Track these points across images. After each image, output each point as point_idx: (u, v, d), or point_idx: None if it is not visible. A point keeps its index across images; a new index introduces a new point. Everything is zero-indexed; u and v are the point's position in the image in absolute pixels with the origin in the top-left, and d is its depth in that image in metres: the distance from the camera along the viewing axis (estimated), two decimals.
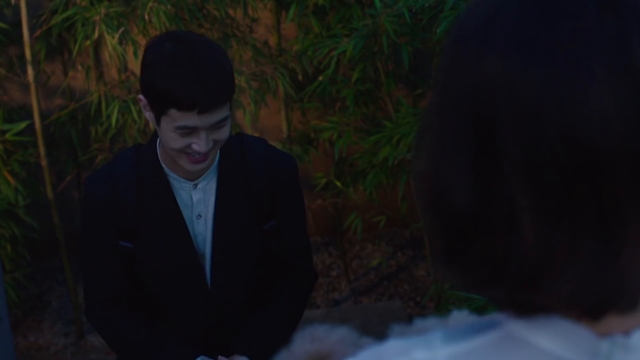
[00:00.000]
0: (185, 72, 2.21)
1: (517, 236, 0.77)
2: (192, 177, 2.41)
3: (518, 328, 0.82)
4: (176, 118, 2.24)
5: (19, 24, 4.33)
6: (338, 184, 4.66)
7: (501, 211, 0.78)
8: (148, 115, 2.32)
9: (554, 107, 0.75)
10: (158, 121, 2.28)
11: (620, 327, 0.80)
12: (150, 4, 4.01)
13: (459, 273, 0.82)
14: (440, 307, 3.99)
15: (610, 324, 0.80)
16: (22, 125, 4.39)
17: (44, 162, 4.42)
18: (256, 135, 3.74)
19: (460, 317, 1.07)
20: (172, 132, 2.26)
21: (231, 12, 4.55)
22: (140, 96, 2.31)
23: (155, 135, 2.42)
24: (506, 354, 0.82)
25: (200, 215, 2.43)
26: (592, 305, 0.78)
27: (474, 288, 0.82)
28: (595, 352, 0.79)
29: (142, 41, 4.07)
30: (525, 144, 0.76)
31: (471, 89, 0.79)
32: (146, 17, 4.05)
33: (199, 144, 2.26)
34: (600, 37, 0.76)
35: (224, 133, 2.30)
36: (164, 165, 2.41)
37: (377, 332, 1.07)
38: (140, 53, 2.36)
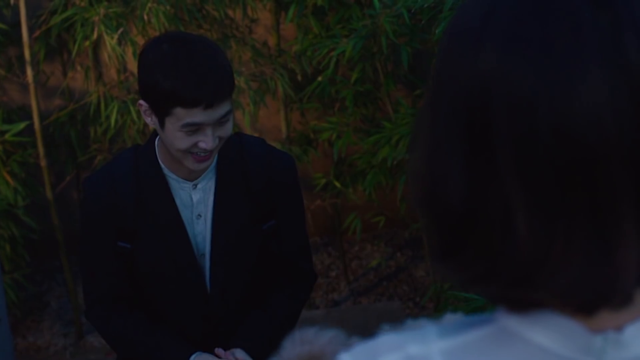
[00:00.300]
0: (186, 69, 2.22)
1: (512, 233, 0.78)
2: (192, 177, 2.41)
3: (512, 323, 0.82)
4: (182, 116, 2.24)
5: (18, 24, 4.33)
6: (337, 184, 4.66)
7: (496, 209, 0.78)
8: (149, 120, 2.31)
9: (548, 103, 0.75)
10: (162, 123, 2.28)
11: (613, 322, 0.80)
12: (149, 5, 4.01)
13: (455, 270, 0.83)
14: (440, 308, 3.99)
15: (603, 320, 0.80)
16: (21, 125, 4.39)
17: (43, 163, 4.42)
18: (255, 135, 3.73)
19: (453, 319, 1.07)
20: (178, 131, 2.26)
21: (230, 12, 4.55)
22: (141, 101, 2.30)
23: (153, 135, 2.42)
24: (500, 348, 0.82)
25: (200, 215, 2.43)
26: (586, 302, 0.78)
27: (470, 285, 0.83)
28: (589, 348, 0.80)
29: (141, 42, 4.07)
30: (519, 140, 0.76)
31: (465, 85, 0.79)
32: (145, 17, 4.05)
33: (206, 141, 2.26)
34: (594, 34, 0.76)
35: (227, 129, 2.31)
36: (163, 166, 2.41)
37: (377, 333, 1.07)
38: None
